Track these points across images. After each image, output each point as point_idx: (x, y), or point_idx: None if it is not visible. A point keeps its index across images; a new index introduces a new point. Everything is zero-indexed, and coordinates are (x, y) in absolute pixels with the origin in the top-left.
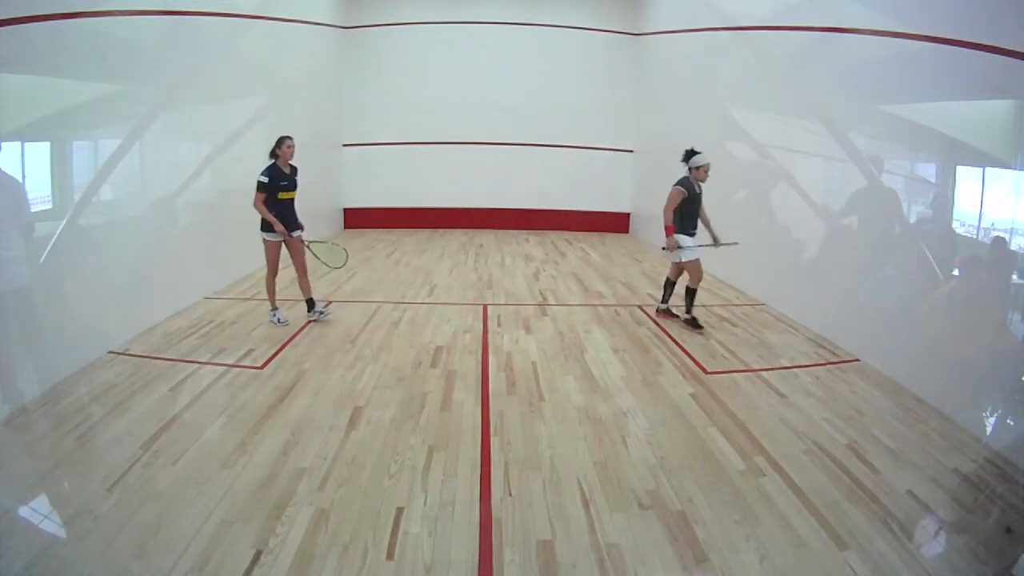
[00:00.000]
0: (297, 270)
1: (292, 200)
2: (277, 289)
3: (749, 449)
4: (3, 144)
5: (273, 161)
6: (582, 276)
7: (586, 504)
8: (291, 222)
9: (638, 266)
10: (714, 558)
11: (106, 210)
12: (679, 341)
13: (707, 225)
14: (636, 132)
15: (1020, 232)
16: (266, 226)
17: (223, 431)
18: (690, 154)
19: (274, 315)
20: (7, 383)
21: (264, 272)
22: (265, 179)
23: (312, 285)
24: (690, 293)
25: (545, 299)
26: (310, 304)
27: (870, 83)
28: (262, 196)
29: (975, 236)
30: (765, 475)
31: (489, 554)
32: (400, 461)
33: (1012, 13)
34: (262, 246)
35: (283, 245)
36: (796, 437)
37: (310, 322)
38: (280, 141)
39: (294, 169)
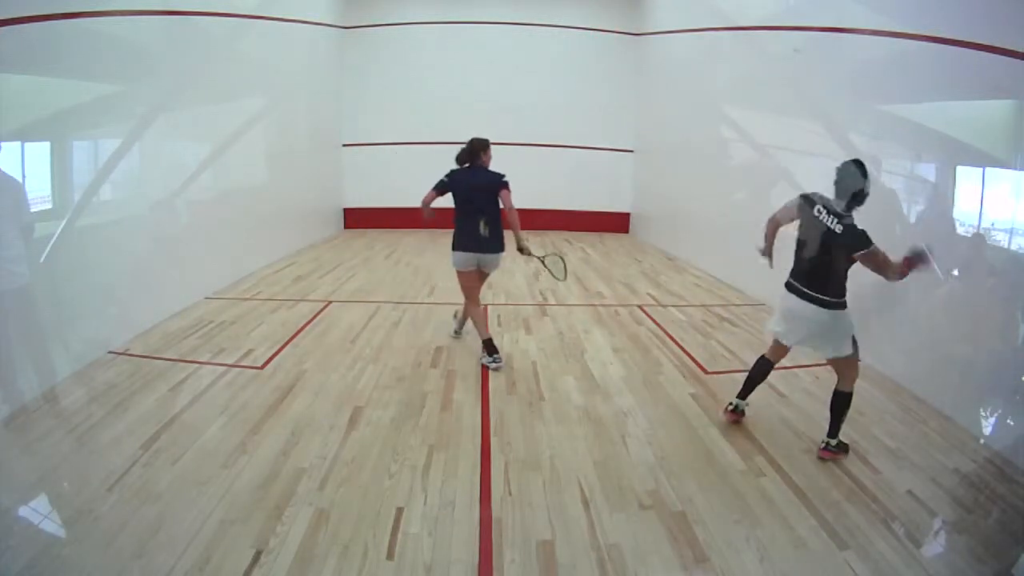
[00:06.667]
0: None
1: None
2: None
3: (749, 449)
4: (3, 144)
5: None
6: (582, 276)
7: (586, 504)
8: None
9: (638, 266)
10: (714, 558)
11: (106, 210)
12: (679, 341)
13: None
14: (636, 132)
15: (1020, 232)
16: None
17: (223, 431)
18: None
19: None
20: (7, 383)
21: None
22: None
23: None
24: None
25: (545, 299)
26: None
27: (870, 83)
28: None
29: (975, 236)
30: (765, 475)
31: (489, 554)
32: (400, 461)
33: (1012, 13)
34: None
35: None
36: (796, 437)
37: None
38: (487, 146)
39: None
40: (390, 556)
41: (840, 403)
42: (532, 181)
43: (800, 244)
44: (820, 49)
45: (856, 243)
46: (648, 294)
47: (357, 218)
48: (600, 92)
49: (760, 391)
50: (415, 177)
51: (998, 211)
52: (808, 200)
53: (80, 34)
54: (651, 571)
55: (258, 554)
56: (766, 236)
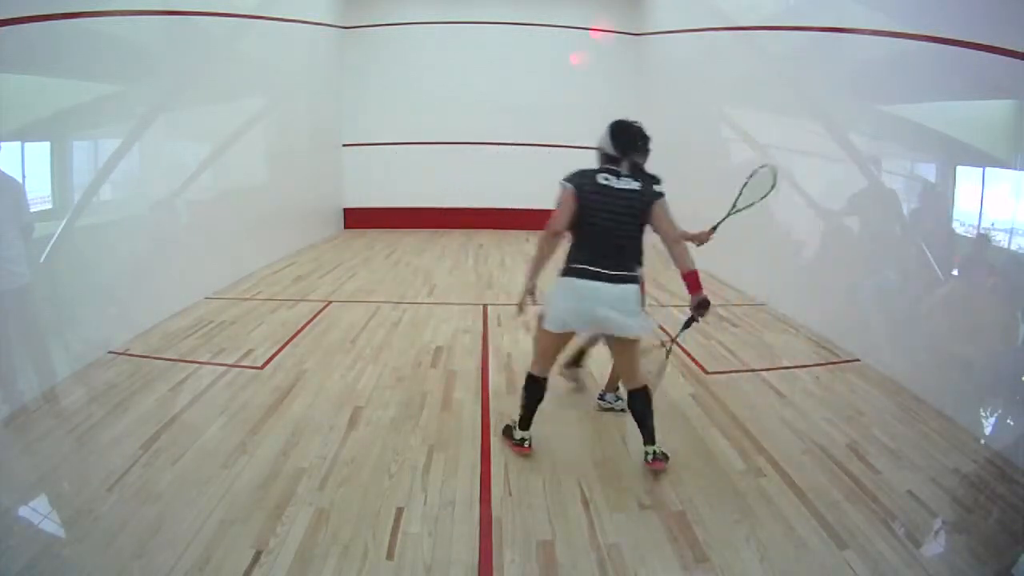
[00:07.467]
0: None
1: None
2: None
3: (749, 449)
4: (3, 144)
5: None
6: None
7: (586, 504)
8: None
9: None
10: (714, 558)
11: (106, 210)
12: (679, 341)
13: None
14: None
15: (1020, 232)
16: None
17: (223, 431)
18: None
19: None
20: (7, 383)
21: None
22: None
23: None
24: None
25: None
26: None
27: (870, 83)
28: None
29: (975, 236)
30: (765, 475)
31: (489, 554)
32: (400, 461)
33: (1012, 13)
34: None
35: None
36: (796, 437)
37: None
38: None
39: None
40: (390, 556)
41: (646, 403)
42: (532, 181)
43: (595, 223)
44: (820, 49)
45: (658, 192)
46: (648, 294)
47: (357, 218)
48: (600, 92)
49: (760, 391)
50: (415, 177)
51: (998, 211)
52: (582, 177)
53: (80, 34)
54: (651, 571)
55: (258, 554)
56: (536, 265)
